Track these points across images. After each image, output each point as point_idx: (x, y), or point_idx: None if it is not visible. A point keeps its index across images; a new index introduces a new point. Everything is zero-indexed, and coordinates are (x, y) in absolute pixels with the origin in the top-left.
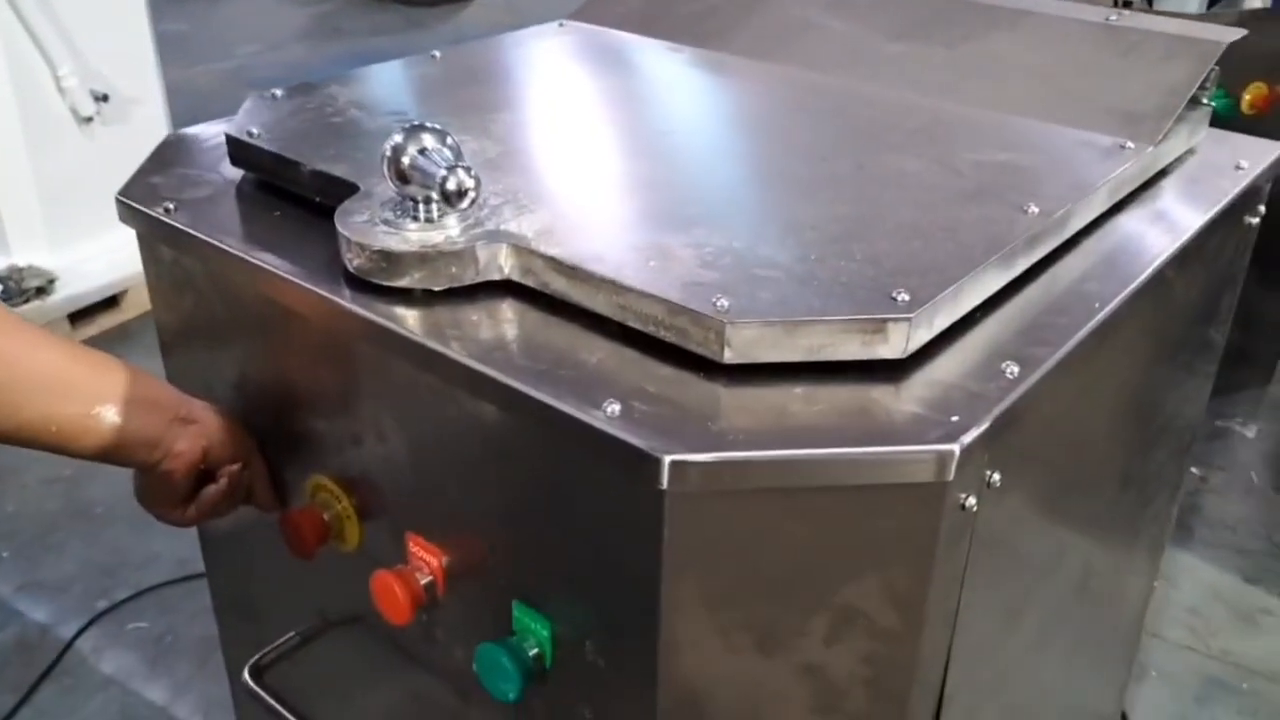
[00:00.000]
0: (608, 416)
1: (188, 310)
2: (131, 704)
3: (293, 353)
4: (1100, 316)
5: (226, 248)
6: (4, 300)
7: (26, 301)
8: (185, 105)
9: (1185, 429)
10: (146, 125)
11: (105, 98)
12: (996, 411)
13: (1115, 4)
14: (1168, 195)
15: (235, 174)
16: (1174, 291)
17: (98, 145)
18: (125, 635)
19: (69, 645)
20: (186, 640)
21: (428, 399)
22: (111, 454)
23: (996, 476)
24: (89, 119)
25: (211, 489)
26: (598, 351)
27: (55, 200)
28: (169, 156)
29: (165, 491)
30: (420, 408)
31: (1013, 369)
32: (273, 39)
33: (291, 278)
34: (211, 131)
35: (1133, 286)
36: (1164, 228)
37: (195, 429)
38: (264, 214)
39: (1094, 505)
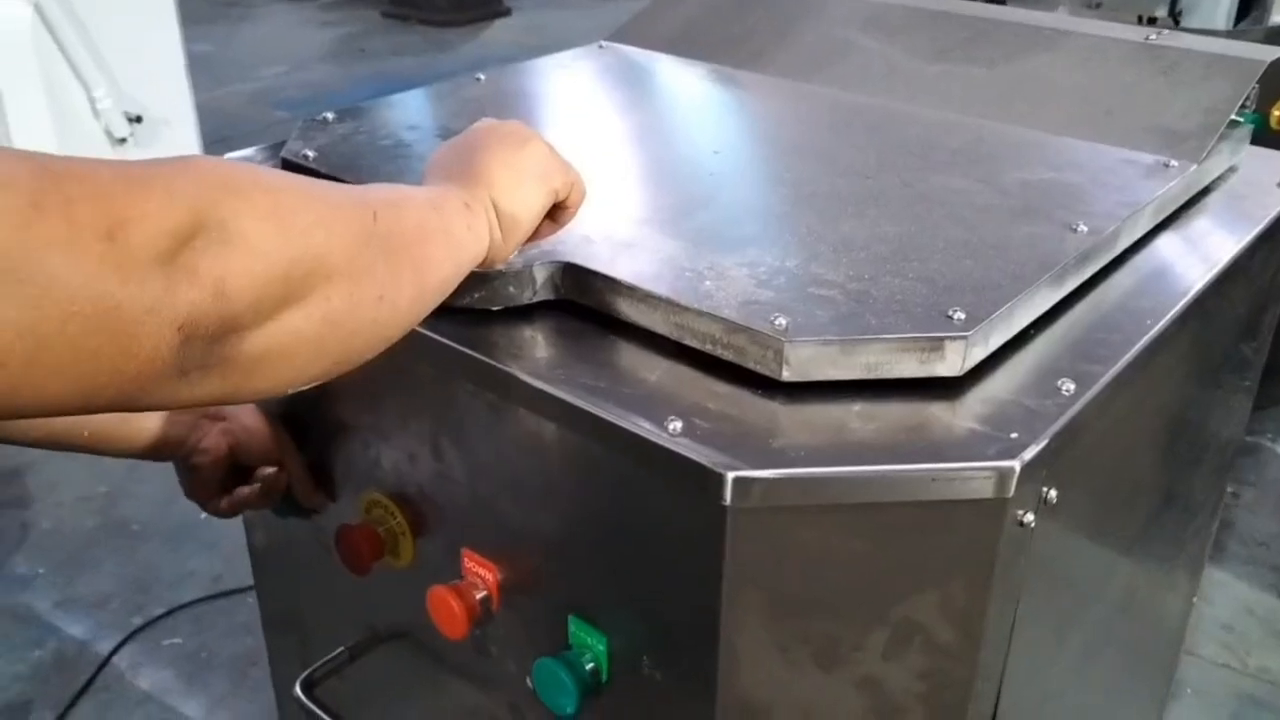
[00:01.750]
0: (670, 434)
1: None
2: None
3: (349, 371)
4: (1152, 333)
5: None
6: None
7: None
8: (212, 126)
9: (1227, 445)
10: (178, 146)
11: (139, 119)
12: (1055, 428)
13: (1140, 20)
14: (1212, 213)
15: None
16: (1220, 308)
17: None
18: (162, 651)
19: (106, 661)
20: (222, 656)
21: (486, 417)
22: (143, 453)
23: (1053, 493)
24: (123, 140)
25: (245, 490)
26: (655, 370)
27: None
28: None
29: (197, 483)
30: (478, 425)
31: (1069, 386)
32: (297, 60)
33: None
34: (258, 158)
35: (1183, 303)
36: (1210, 245)
37: (222, 426)
38: None
39: (1140, 522)
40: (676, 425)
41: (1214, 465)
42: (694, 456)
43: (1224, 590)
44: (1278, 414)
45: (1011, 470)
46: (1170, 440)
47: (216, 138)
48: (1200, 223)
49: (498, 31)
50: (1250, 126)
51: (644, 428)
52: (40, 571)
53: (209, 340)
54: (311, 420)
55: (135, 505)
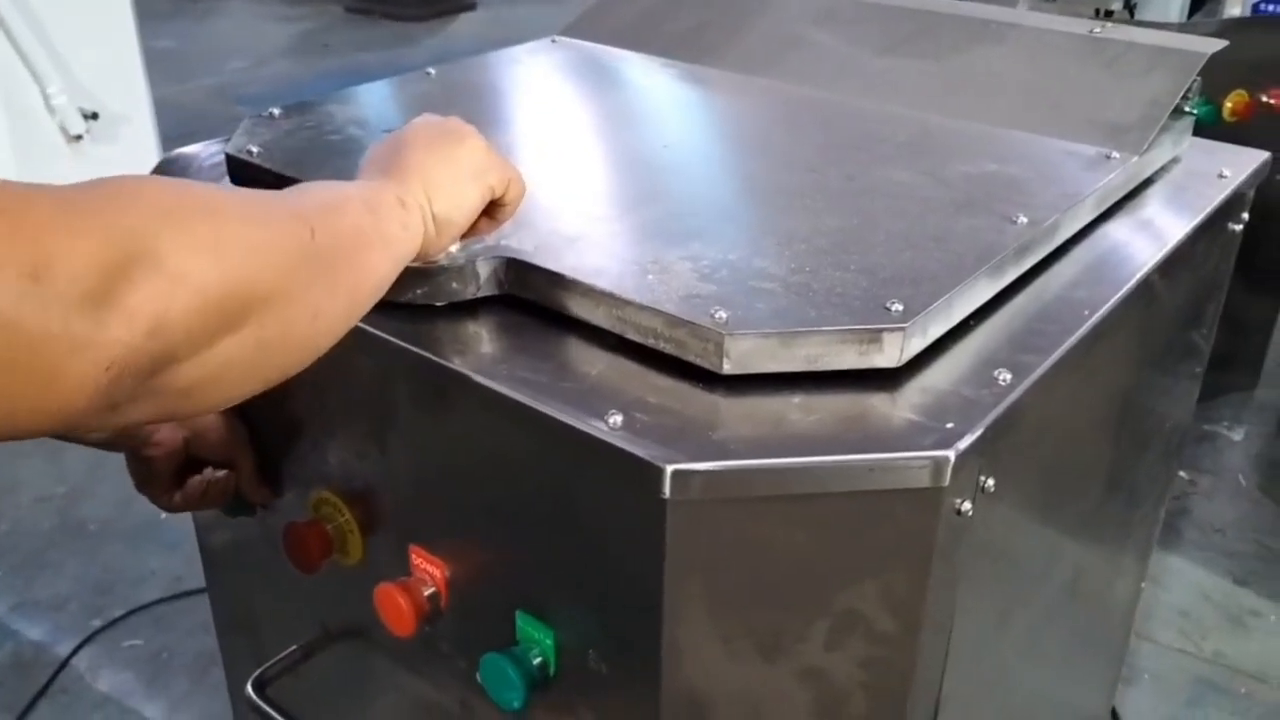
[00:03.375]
0: (610, 428)
1: None
2: None
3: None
4: (1090, 323)
5: None
6: None
7: None
8: (174, 121)
9: (1173, 432)
10: (136, 143)
11: (94, 116)
12: (990, 418)
13: (1097, 14)
14: (1153, 204)
15: None
16: (1161, 297)
17: (87, 163)
18: (121, 653)
19: (65, 663)
20: (182, 657)
21: (430, 413)
22: (95, 442)
23: (990, 481)
24: (78, 137)
25: (195, 482)
26: (597, 364)
27: None
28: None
29: (149, 476)
30: (422, 422)
31: (1005, 376)
32: (260, 55)
33: None
34: (209, 151)
35: (1121, 293)
36: (1150, 235)
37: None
38: None
39: (1084, 508)
40: (617, 419)
41: (1160, 452)
42: (633, 450)
43: (1180, 576)
44: (1234, 402)
45: (946, 459)
46: (1114, 428)
47: (179, 133)
48: (1142, 213)
49: (462, 26)
50: (1193, 118)
51: (585, 422)
52: None
53: (140, 376)
54: (259, 418)
55: (94, 506)
